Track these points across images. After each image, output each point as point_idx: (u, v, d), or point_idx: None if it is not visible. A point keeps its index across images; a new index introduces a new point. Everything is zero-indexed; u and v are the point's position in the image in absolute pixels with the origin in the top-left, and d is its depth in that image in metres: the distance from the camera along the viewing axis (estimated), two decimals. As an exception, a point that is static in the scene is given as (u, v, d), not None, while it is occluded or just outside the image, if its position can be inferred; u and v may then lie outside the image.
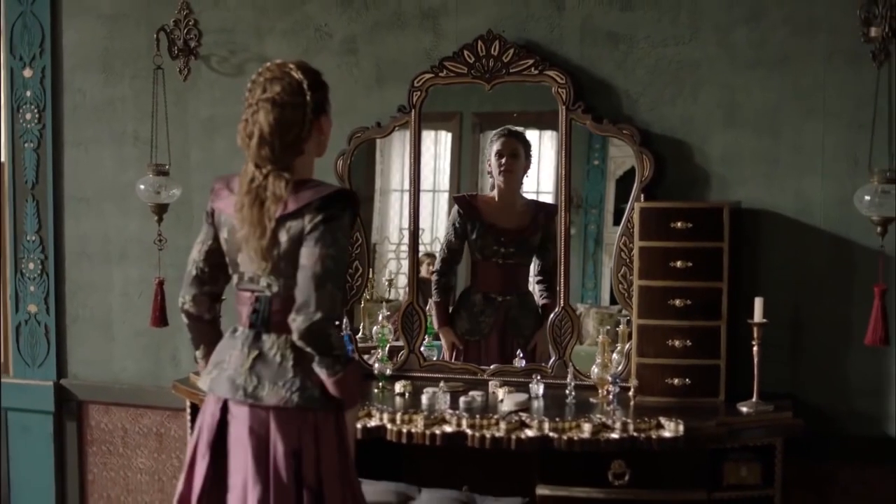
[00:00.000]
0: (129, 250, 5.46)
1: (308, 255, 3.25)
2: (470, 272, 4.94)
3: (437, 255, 5.04)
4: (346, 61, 4.97)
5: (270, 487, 3.29)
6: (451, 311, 4.93)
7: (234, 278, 3.46)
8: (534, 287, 4.80)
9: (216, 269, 3.54)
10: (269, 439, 3.32)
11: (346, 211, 3.33)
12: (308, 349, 3.25)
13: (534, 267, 4.81)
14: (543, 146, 4.89)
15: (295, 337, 3.27)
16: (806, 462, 4.32)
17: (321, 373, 3.27)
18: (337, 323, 3.35)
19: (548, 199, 4.80)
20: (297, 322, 3.24)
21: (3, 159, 5.77)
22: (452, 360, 4.72)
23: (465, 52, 4.66)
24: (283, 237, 3.27)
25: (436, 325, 4.90)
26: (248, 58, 5.17)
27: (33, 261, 5.63)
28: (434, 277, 5.01)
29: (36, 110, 5.59)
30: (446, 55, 4.75)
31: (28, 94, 5.59)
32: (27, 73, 5.60)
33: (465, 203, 4.90)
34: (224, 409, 3.39)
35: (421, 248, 5.07)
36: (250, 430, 3.31)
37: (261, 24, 5.13)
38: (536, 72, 4.53)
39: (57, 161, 5.59)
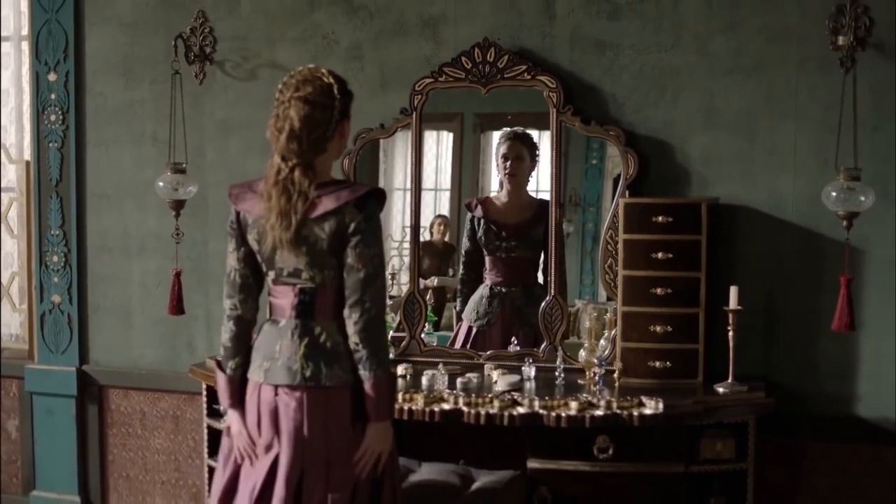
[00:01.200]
0: (148, 244, 5.59)
1: (356, 257, 3.41)
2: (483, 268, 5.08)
3: (460, 261, 5.12)
4: (352, 67, 5.08)
5: (329, 462, 3.45)
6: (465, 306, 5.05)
7: (271, 275, 3.56)
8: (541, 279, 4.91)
9: (255, 273, 3.64)
10: (329, 418, 3.47)
11: (381, 208, 3.52)
12: (362, 345, 3.42)
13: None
14: (542, 146, 4.98)
15: (352, 331, 3.43)
16: (779, 439, 4.51)
17: (364, 374, 3.42)
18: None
19: (546, 196, 4.89)
20: (353, 318, 3.42)
21: (29, 158, 5.88)
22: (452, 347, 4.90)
23: (463, 59, 4.81)
24: (323, 233, 3.42)
25: (459, 342, 4.98)
26: (260, 63, 5.28)
27: (57, 254, 5.75)
28: (458, 286, 5.13)
29: (60, 112, 5.69)
30: (445, 61, 4.89)
31: (53, 96, 5.70)
32: (52, 77, 5.70)
33: (474, 206, 5.03)
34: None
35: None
36: (308, 412, 3.44)
37: (272, 32, 5.26)
38: (529, 77, 4.70)
39: (80, 160, 5.71)
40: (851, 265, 4.29)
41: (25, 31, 5.89)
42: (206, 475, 4.92)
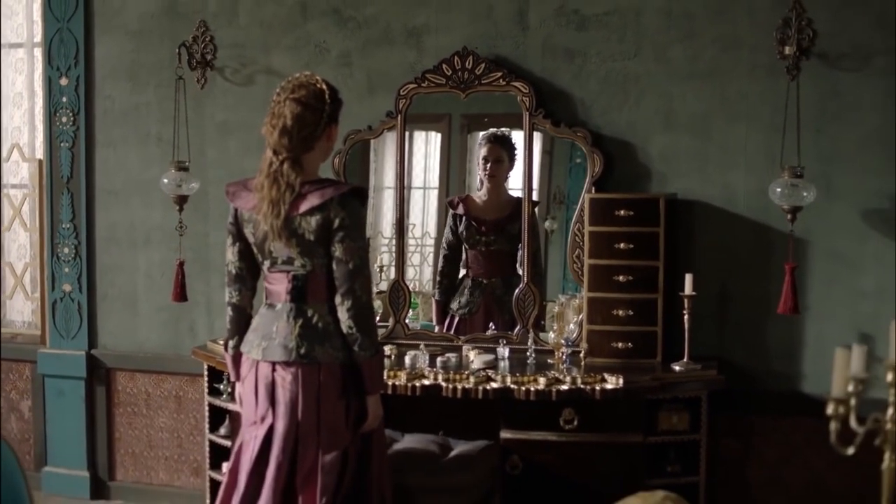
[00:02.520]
0: (152, 236, 5.77)
1: (343, 250, 3.71)
2: (464, 260, 5.31)
3: (440, 254, 5.32)
4: (342, 73, 5.29)
5: (321, 429, 3.75)
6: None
7: (266, 263, 3.85)
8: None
9: (251, 267, 3.94)
10: (322, 390, 3.76)
11: (363, 205, 3.85)
12: (355, 329, 3.72)
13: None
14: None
15: (345, 317, 3.73)
16: (732, 414, 4.78)
17: (359, 355, 3.75)
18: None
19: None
20: (345, 305, 3.73)
21: (41, 157, 6.02)
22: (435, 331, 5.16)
23: (444, 66, 5.05)
24: (311, 226, 3.71)
25: (434, 321, 5.27)
26: (257, 69, 5.48)
27: (68, 246, 5.91)
28: (437, 278, 5.34)
29: (71, 114, 5.84)
30: (428, 68, 5.11)
31: (64, 99, 5.85)
32: (63, 81, 5.85)
33: (456, 203, 5.25)
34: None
35: (412, 241, 5.36)
36: (303, 385, 3.74)
37: (268, 41, 5.46)
38: (504, 83, 4.96)
39: (89, 158, 5.86)
40: (796, 255, 4.58)
41: (38, 38, 6.01)
42: (207, 451, 5.18)
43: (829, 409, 2.48)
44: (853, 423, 2.51)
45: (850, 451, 2.46)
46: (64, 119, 5.88)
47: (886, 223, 4.66)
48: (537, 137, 5.04)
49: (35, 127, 6.20)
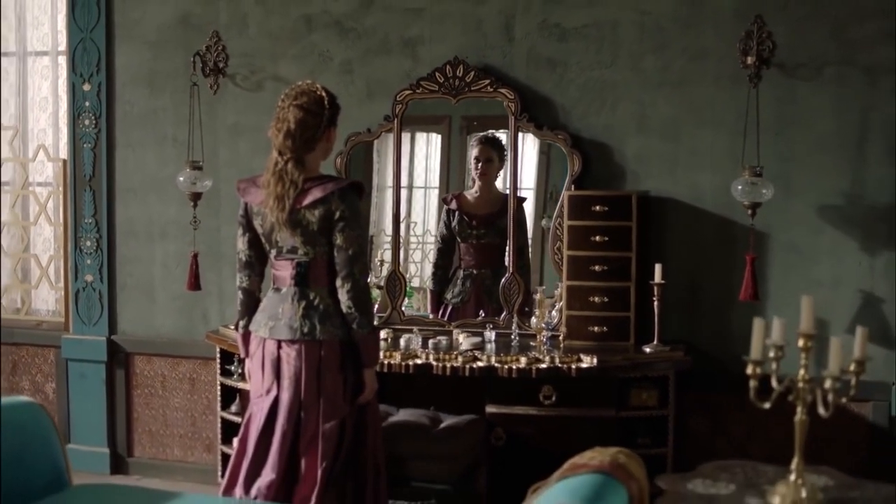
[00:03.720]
0: (168, 230, 5.96)
1: (343, 239, 4.06)
2: (457, 253, 5.56)
3: (435, 247, 5.56)
4: (344, 80, 5.52)
5: (321, 399, 4.10)
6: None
7: (273, 252, 4.19)
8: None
9: (260, 255, 4.29)
10: (322, 365, 4.11)
11: (361, 198, 4.20)
12: (354, 309, 4.07)
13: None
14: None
15: (344, 298, 4.08)
16: (699, 393, 5.07)
17: (358, 332, 4.09)
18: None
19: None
20: (345, 287, 4.08)
21: (65, 157, 6.19)
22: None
23: (437, 74, 5.32)
24: (314, 218, 4.05)
25: (429, 310, 5.55)
26: (265, 77, 5.70)
27: (90, 239, 6.09)
28: (432, 270, 5.60)
29: (93, 117, 6.02)
30: (422, 76, 5.37)
31: (87, 104, 6.03)
32: (86, 87, 6.02)
33: (449, 200, 5.50)
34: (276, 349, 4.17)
35: (413, 239, 5.62)
36: (305, 360, 4.09)
37: (276, 50, 5.68)
38: (492, 90, 5.25)
39: (110, 158, 6.03)
40: (757, 247, 4.89)
41: (63, 47, 6.22)
42: (219, 426, 5.48)
43: (749, 370, 2.90)
44: (774, 383, 2.95)
45: (767, 405, 2.88)
46: (86, 122, 6.06)
47: (839, 218, 4.97)
48: (534, 140, 5.30)
49: (59, 129, 6.39)
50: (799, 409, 2.92)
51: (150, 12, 5.98)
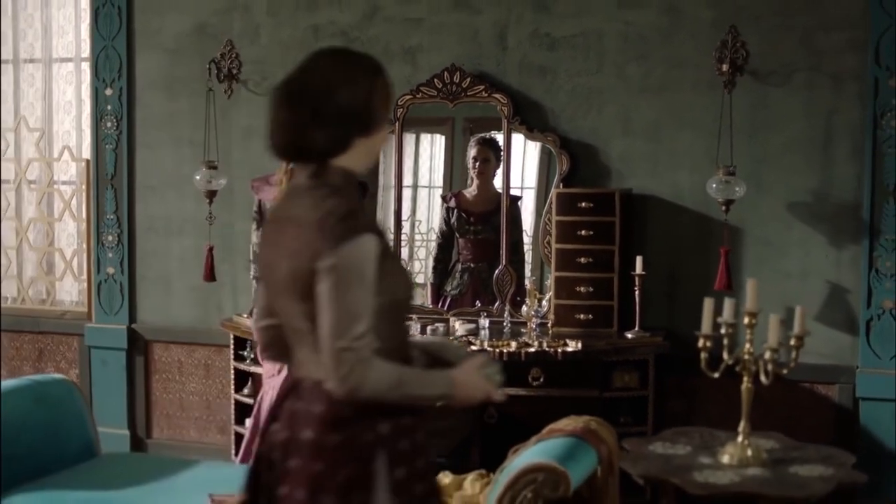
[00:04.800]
0: (185, 226, 6.18)
1: None
2: (457, 248, 5.82)
3: (435, 242, 5.79)
4: None
5: None
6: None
7: None
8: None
9: None
10: None
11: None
12: None
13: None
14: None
15: None
16: (677, 377, 5.35)
17: None
18: None
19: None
20: None
21: (88, 157, 6.43)
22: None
23: (435, 80, 5.59)
24: None
25: (430, 302, 5.79)
26: (276, 82, 5.66)
27: (111, 234, 6.33)
28: (432, 264, 5.85)
29: (115, 120, 6.25)
30: (421, 82, 5.62)
31: (109, 107, 6.27)
32: (108, 91, 6.27)
33: (448, 198, 5.76)
34: None
35: (418, 236, 5.87)
36: None
37: (285, 58, 5.79)
38: (486, 95, 5.53)
39: (130, 158, 6.26)
40: (731, 240, 5.18)
41: (86, 54, 6.45)
42: (233, 408, 5.78)
43: (700, 343, 3.31)
44: (725, 355, 3.35)
45: (716, 374, 3.28)
46: (108, 124, 6.30)
47: (807, 214, 5.29)
48: (535, 143, 5.58)
49: (83, 131, 6.60)
50: (745, 379, 3.31)
51: (168, 22, 6.23)
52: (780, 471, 3.38)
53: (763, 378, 3.32)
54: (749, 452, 3.30)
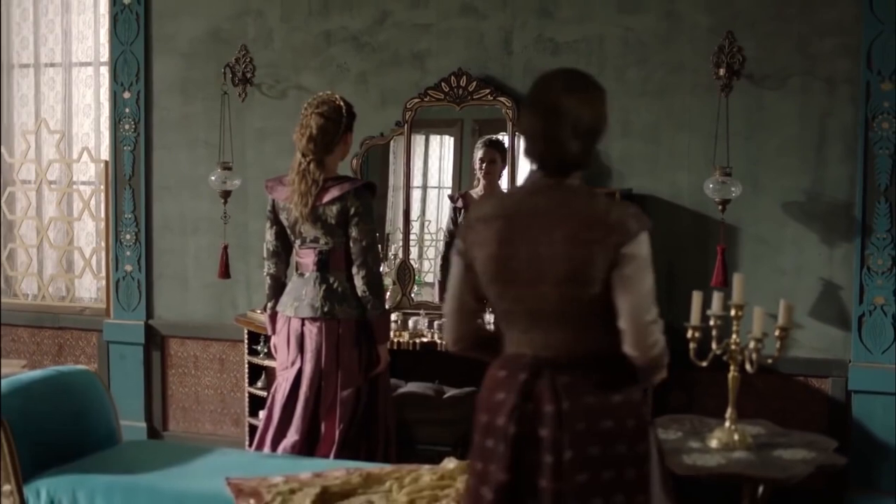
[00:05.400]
0: (200, 225, 6.33)
1: (359, 232, 4.55)
2: None
3: (443, 242, 5.88)
4: (359, 89, 5.86)
5: (339, 370, 4.59)
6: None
7: (297, 242, 4.67)
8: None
9: (285, 245, 4.77)
10: (340, 340, 4.60)
11: (373, 196, 4.71)
12: (369, 293, 4.55)
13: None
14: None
15: (360, 283, 4.55)
16: (677, 371, 5.01)
17: (372, 313, 4.58)
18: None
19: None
20: (361, 274, 4.57)
21: (107, 158, 6.58)
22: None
23: (443, 84, 5.70)
24: (332, 213, 4.54)
25: (438, 299, 5.80)
26: (289, 86, 6.07)
27: (129, 233, 6.47)
28: (439, 262, 5.95)
29: (132, 122, 6.39)
30: (429, 85, 5.73)
31: (127, 110, 6.40)
32: (126, 95, 6.40)
33: (456, 198, 5.88)
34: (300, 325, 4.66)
35: (427, 236, 5.99)
36: (326, 336, 4.58)
37: (298, 63, 6.05)
38: (492, 98, 5.66)
39: (147, 159, 6.41)
40: (727, 238, 5.30)
41: (105, 58, 6.61)
42: (247, 400, 5.91)
43: (689, 334, 3.50)
44: (713, 345, 3.54)
45: (704, 363, 3.47)
46: (126, 126, 6.44)
47: (801, 213, 5.42)
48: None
49: (101, 133, 6.77)
50: (732, 367, 3.50)
51: (184, 27, 6.38)
52: (765, 454, 3.57)
53: (748, 367, 3.51)
54: (736, 437, 3.49)
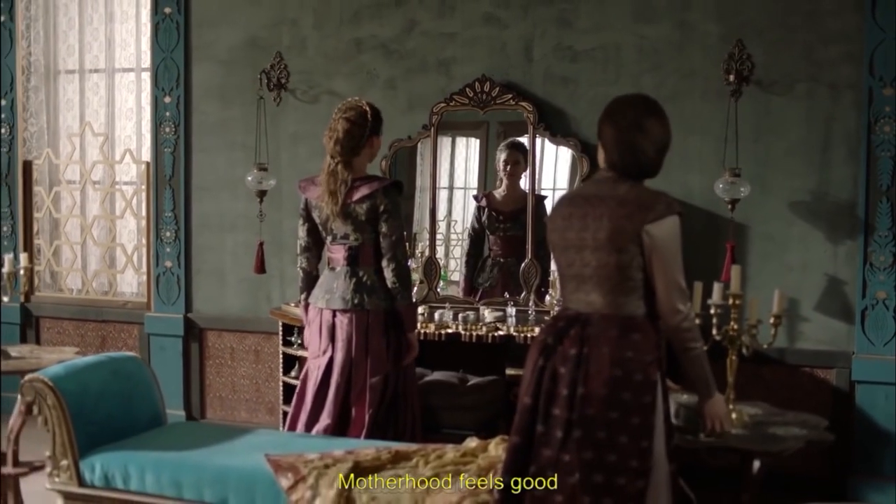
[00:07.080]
0: (237, 223, 6.56)
1: (388, 228, 4.74)
2: (487, 244, 6.14)
3: (468, 239, 6.10)
4: (388, 94, 6.11)
5: (369, 358, 4.80)
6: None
7: (329, 238, 4.87)
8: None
9: (317, 241, 4.98)
10: (369, 330, 4.81)
11: (400, 194, 4.93)
12: (397, 284, 4.75)
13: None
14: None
15: (389, 276, 4.74)
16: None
17: (401, 303, 4.78)
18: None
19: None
20: (390, 267, 4.77)
21: (148, 160, 6.82)
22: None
23: (467, 89, 5.95)
24: (362, 210, 4.74)
25: (462, 294, 6.12)
26: (321, 91, 6.31)
27: (169, 231, 6.72)
28: (465, 258, 6.20)
29: (173, 125, 6.62)
30: (454, 91, 5.97)
31: (167, 114, 6.64)
32: (167, 99, 6.64)
33: (480, 198, 6.09)
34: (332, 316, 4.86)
35: (454, 236, 6.19)
36: (356, 326, 4.79)
37: (330, 69, 6.29)
38: (514, 103, 5.89)
39: (187, 161, 6.63)
40: (736, 236, 5.50)
41: (147, 65, 6.86)
42: (281, 389, 6.10)
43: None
44: (714, 331, 3.84)
45: (704, 347, 3.77)
46: (167, 129, 6.67)
47: (807, 212, 5.62)
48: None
49: (143, 136, 6.98)
50: (730, 351, 3.80)
51: (222, 35, 6.62)
52: (759, 430, 3.86)
53: (744, 350, 3.81)
54: (733, 416, 3.77)
